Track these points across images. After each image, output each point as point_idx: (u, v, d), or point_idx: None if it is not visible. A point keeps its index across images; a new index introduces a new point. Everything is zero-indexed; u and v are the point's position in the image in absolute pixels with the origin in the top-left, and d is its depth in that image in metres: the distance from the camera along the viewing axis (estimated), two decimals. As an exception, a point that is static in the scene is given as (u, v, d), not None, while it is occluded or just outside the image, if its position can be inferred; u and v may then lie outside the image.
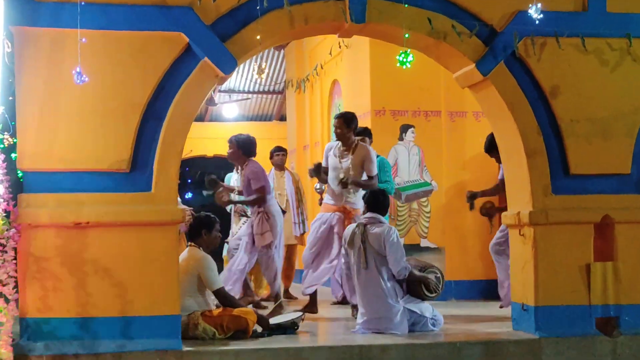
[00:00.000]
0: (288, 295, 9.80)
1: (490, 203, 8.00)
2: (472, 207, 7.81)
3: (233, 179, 9.10)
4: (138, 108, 5.71)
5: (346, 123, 7.31)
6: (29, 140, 5.60)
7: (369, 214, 6.57)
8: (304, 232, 9.72)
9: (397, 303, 6.34)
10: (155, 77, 5.75)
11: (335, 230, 7.26)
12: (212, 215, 6.42)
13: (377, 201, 6.61)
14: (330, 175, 7.40)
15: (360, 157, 7.33)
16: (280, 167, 9.68)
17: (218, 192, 8.06)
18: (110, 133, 5.69)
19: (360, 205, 7.48)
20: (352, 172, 7.28)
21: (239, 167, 8.21)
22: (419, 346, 5.91)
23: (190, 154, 14.13)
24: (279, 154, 9.68)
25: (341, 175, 7.25)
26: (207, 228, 6.29)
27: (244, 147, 8.00)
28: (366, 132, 8.22)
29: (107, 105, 5.70)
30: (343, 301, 8.27)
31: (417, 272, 6.44)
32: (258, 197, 7.93)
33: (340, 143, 7.39)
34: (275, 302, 7.84)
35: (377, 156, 8.08)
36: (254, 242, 7.98)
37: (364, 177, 7.32)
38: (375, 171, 7.38)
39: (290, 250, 9.75)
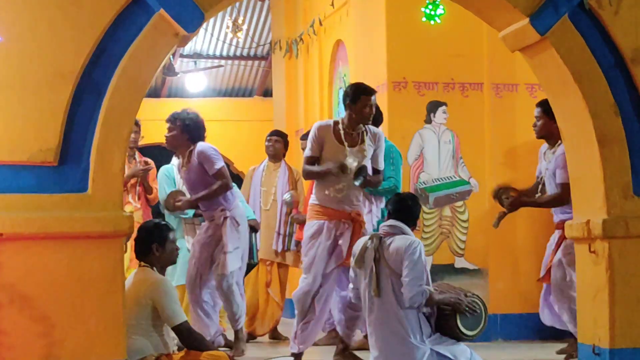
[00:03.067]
0: (276, 335, 9.84)
1: (514, 190, 7.92)
2: (498, 220, 7.77)
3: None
4: (69, 78, 5.71)
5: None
6: None
7: (390, 222, 6.60)
8: (289, 249, 9.70)
9: (422, 344, 6.36)
10: (93, 36, 5.75)
11: (341, 242, 7.26)
12: (164, 223, 6.44)
13: (405, 207, 6.62)
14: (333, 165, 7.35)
15: (374, 143, 7.34)
16: (274, 157, 9.78)
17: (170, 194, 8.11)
18: (31, 113, 5.69)
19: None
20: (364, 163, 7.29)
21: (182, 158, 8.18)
22: (453, 403, 5.93)
23: (140, 142, 14.12)
24: (270, 140, 9.78)
25: (353, 164, 7.16)
26: (158, 241, 6.29)
27: (190, 131, 8.05)
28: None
29: (27, 74, 5.70)
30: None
31: (439, 296, 6.45)
32: (221, 184, 7.95)
33: (343, 123, 7.34)
34: (236, 343, 8.03)
35: (385, 141, 8.13)
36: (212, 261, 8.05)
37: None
38: (384, 164, 7.43)
39: (281, 272, 9.78)
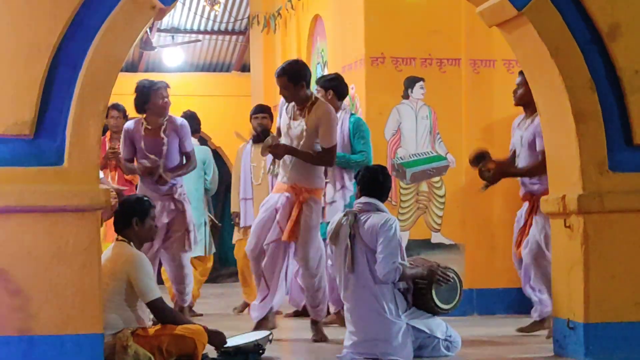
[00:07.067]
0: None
1: (492, 162, 7.88)
2: (486, 182, 7.73)
3: None
4: (45, 51, 5.68)
5: (292, 80, 7.22)
6: None
7: (362, 199, 6.59)
8: None
9: (398, 319, 6.38)
10: (69, 9, 5.72)
11: (277, 217, 7.24)
12: (146, 198, 6.43)
13: (375, 182, 6.61)
14: (283, 141, 7.33)
15: (315, 118, 7.23)
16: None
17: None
18: (6, 86, 5.66)
19: (319, 183, 7.38)
20: (304, 140, 7.19)
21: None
22: (428, 377, 5.97)
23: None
24: (257, 117, 9.65)
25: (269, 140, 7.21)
26: (139, 216, 6.30)
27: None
28: (333, 83, 8.15)
29: (2, 47, 5.67)
30: (304, 311, 8.37)
31: (411, 270, 6.45)
32: (195, 164, 8.17)
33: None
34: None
35: (351, 115, 8.12)
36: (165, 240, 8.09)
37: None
38: (332, 142, 7.18)
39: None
